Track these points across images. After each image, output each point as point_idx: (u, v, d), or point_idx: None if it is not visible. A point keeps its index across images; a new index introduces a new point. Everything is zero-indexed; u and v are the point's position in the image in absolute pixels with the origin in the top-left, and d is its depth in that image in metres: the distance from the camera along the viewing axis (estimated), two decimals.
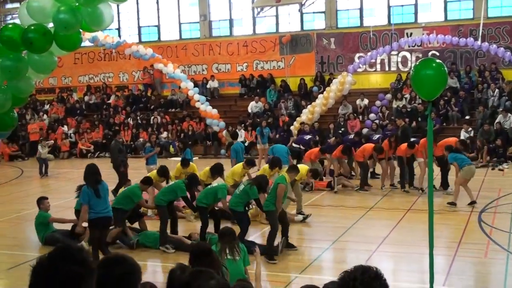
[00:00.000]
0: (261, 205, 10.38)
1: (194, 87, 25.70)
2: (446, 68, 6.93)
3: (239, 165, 13.36)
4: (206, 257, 4.98)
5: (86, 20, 7.21)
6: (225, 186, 11.09)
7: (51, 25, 7.32)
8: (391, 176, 15.51)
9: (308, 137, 19.50)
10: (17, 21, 8.24)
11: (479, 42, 22.39)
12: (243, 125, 24.02)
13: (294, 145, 19.74)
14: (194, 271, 2.39)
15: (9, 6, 31.39)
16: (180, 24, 29.14)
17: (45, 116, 28.97)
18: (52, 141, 24.21)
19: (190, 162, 13.93)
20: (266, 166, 13.01)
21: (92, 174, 9.52)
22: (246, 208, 11.14)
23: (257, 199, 10.45)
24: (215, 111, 24.78)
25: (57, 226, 11.33)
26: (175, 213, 11.48)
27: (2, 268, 9.77)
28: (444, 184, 14.81)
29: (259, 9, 27.17)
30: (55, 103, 30.13)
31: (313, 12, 26.83)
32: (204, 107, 24.77)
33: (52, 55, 7.65)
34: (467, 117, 22.12)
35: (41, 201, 11.29)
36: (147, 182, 11.11)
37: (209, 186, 11.46)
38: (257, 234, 11.24)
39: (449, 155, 13.49)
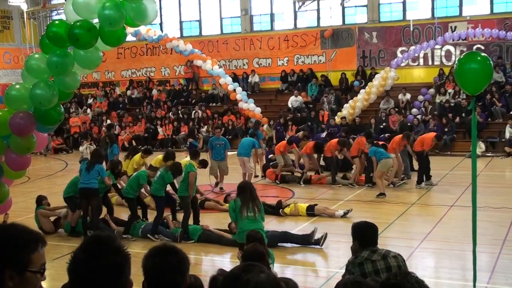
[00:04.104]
0: (176, 188, 11.44)
1: (234, 81, 25.78)
2: (491, 62, 6.79)
3: (138, 154, 14.91)
4: (259, 260, 5.01)
5: (131, 15, 7.30)
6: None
7: (96, 20, 7.45)
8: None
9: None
10: (63, 16, 8.41)
11: None
12: (283, 119, 24.00)
13: None
14: (243, 265, 2.40)
15: (54, 2, 32.05)
16: (221, 18, 29.24)
17: (88, 110, 29.54)
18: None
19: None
20: (160, 156, 13.93)
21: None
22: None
23: (172, 183, 11.44)
24: (258, 109, 24.77)
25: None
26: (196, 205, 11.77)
27: (47, 258, 10.01)
28: (419, 179, 15.06)
29: (300, 3, 27.07)
30: (98, 92, 30.71)
31: (355, 6, 26.56)
32: (247, 105, 24.79)
33: (97, 50, 7.78)
34: None
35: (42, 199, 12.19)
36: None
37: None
38: (295, 230, 11.23)
39: (370, 149, 14.54)
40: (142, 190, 12.18)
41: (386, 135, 20.28)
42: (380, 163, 14.02)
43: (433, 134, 15.72)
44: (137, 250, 10.20)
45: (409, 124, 21.89)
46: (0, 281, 2.28)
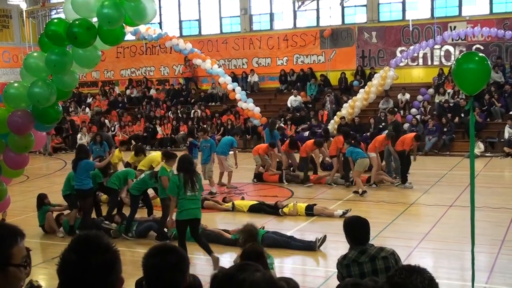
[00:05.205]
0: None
1: (233, 81, 25.76)
2: (489, 62, 6.79)
3: (117, 150, 16.31)
4: (257, 261, 5.00)
5: (129, 14, 7.28)
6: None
7: (95, 19, 7.44)
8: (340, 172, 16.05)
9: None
10: (62, 15, 8.40)
11: None
12: (282, 119, 24.01)
13: None
14: (239, 264, 2.40)
15: (54, 1, 32.03)
16: (220, 18, 29.24)
17: (87, 109, 29.52)
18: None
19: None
20: (132, 153, 14.84)
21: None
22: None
23: (155, 188, 11.64)
24: (257, 109, 24.72)
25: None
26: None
27: (46, 257, 10.03)
28: (403, 179, 15.20)
29: (299, 3, 27.07)
30: (98, 96, 30.69)
31: (355, 6, 26.57)
32: (246, 104, 24.75)
33: (96, 49, 7.75)
34: (511, 112, 21.64)
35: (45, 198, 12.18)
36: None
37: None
38: (294, 230, 11.23)
39: (347, 149, 14.84)
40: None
41: (368, 133, 20.56)
42: (357, 163, 14.29)
43: (413, 134, 16.01)
44: (124, 249, 10.21)
45: (408, 123, 21.94)
46: None
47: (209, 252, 8.96)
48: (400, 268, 2.74)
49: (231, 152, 16.06)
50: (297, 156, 16.95)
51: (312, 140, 16.51)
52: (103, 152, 15.50)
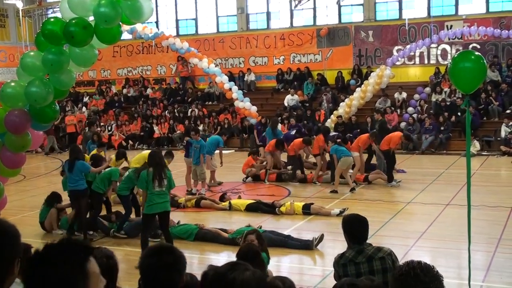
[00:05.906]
0: None
1: (230, 80, 25.73)
2: (485, 61, 6.80)
3: (95, 150, 15.02)
4: (253, 260, 4.98)
5: (126, 13, 7.29)
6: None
7: (91, 18, 7.43)
8: (323, 170, 16.16)
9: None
10: (59, 14, 8.39)
11: None
12: (279, 118, 23.99)
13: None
14: (229, 263, 2.40)
15: (50, 0, 31.96)
16: (217, 17, 29.22)
17: (84, 109, 29.47)
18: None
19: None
20: (113, 156, 14.29)
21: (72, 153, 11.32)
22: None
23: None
24: (254, 108, 24.70)
25: None
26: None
27: None
28: (389, 177, 15.24)
29: (296, 2, 27.04)
30: (95, 95, 30.63)
31: (351, 5, 26.58)
32: (243, 104, 24.73)
33: (93, 48, 7.75)
34: (508, 111, 21.68)
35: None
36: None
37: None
38: (291, 228, 11.24)
39: (331, 147, 15.06)
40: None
41: (358, 130, 20.65)
42: (340, 161, 14.44)
43: (400, 133, 16.25)
44: (129, 249, 10.20)
45: (405, 122, 21.99)
46: (11, 270, 2.41)
47: None
48: (406, 273, 2.73)
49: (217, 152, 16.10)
50: (284, 157, 17.06)
51: (301, 139, 16.55)
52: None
